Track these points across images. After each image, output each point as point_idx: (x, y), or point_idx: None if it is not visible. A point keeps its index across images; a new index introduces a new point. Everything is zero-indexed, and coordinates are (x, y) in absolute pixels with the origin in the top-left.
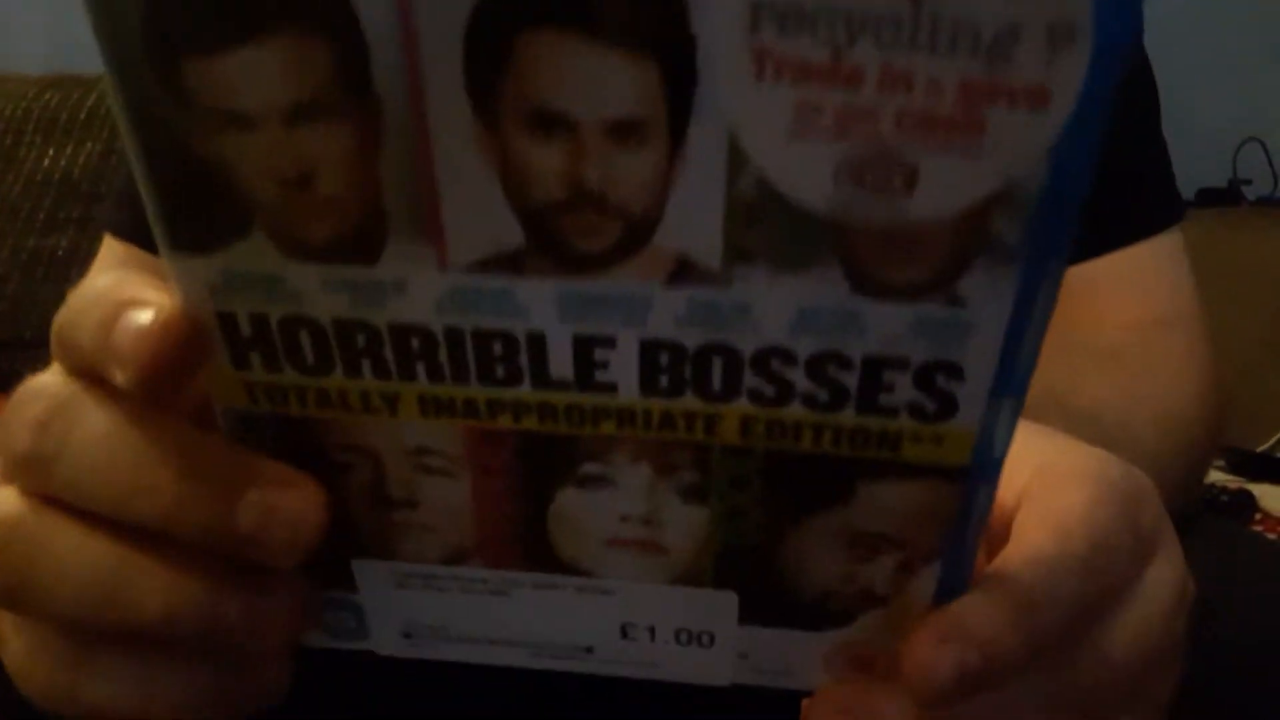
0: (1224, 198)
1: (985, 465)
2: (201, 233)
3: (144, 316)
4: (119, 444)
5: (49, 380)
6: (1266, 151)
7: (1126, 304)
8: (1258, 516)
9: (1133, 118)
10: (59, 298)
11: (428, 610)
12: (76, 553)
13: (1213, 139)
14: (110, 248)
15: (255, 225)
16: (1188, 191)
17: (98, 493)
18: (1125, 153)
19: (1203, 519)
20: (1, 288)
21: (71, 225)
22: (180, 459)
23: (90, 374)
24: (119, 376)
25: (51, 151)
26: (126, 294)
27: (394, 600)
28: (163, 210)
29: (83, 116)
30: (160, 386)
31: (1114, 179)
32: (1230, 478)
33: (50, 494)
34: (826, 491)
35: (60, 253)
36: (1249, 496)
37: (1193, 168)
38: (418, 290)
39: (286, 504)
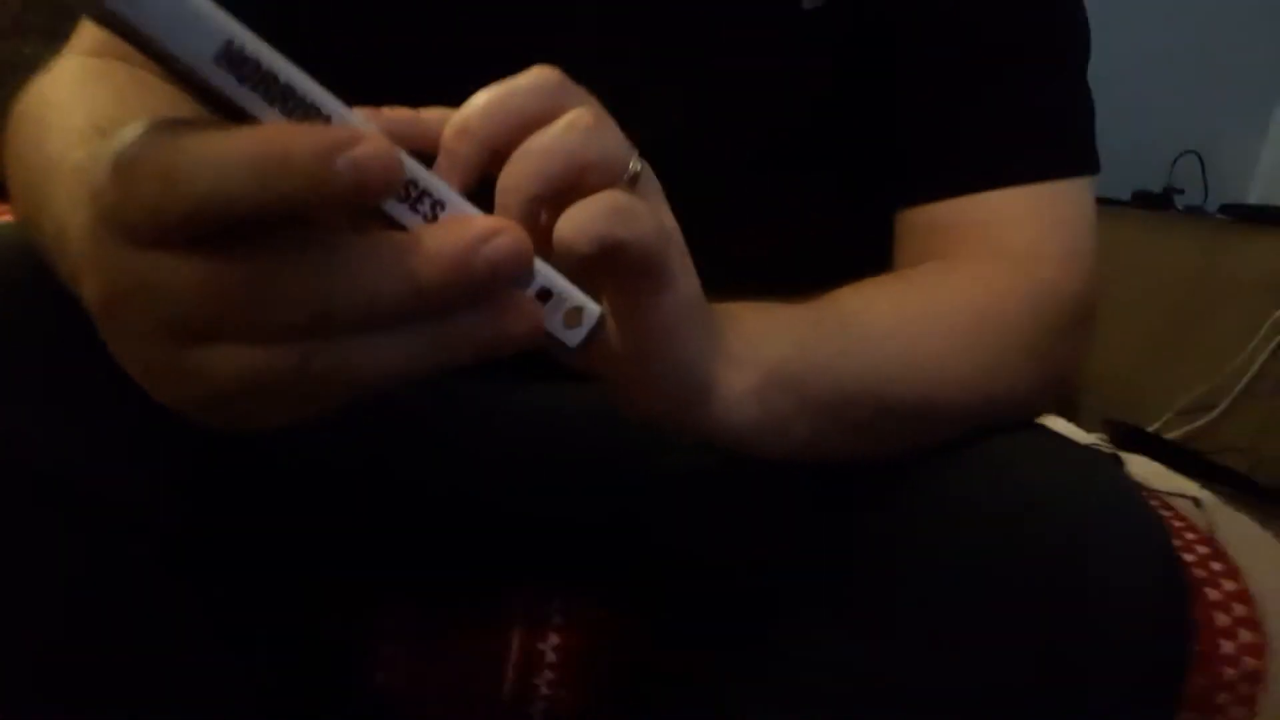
0: (1157, 202)
1: None
2: None
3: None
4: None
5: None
6: (1202, 165)
7: (979, 242)
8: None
9: (1042, 55)
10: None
11: None
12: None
13: (1155, 147)
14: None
15: None
16: (1123, 191)
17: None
18: (1031, 90)
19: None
20: None
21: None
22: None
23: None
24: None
25: None
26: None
27: None
28: None
29: None
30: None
31: (1015, 114)
32: (1112, 449)
33: None
34: None
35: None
36: (1117, 461)
37: (1132, 170)
38: None
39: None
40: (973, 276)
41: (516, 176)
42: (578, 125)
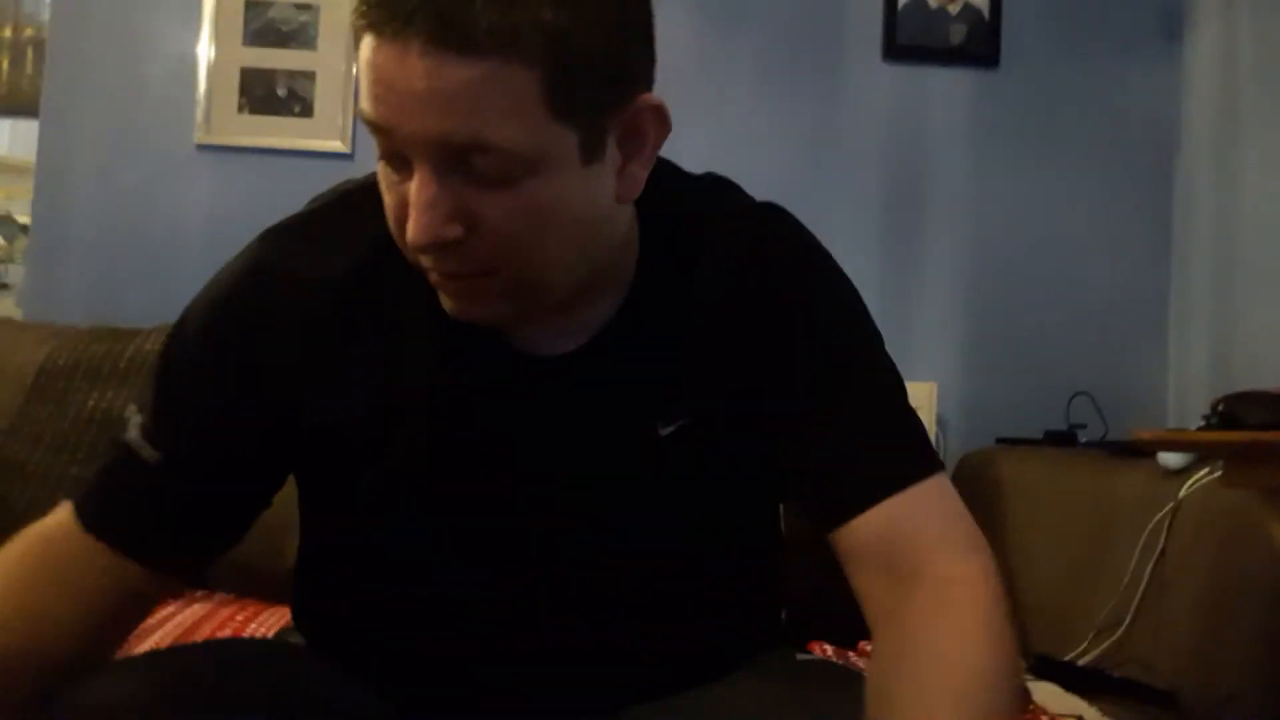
0: (1064, 439)
1: None
2: None
3: None
4: None
5: None
6: (1095, 403)
7: (910, 551)
8: (1031, 707)
9: (885, 396)
10: None
11: None
12: None
13: (1053, 391)
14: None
15: None
16: (1035, 432)
17: None
18: (892, 419)
19: None
20: (49, 509)
21: None
22: None
23: None
24: None
25: (95, 394)
26: None
27: None
28: None
29: (122, 365)
30: None
31: (885, 436)
32: (1030, 678)
33: None
34: None
35: None
36: (1025, 692)
37: (1039, 413)
38: None
39: None
40: (947, 626)
41: None
42: None
